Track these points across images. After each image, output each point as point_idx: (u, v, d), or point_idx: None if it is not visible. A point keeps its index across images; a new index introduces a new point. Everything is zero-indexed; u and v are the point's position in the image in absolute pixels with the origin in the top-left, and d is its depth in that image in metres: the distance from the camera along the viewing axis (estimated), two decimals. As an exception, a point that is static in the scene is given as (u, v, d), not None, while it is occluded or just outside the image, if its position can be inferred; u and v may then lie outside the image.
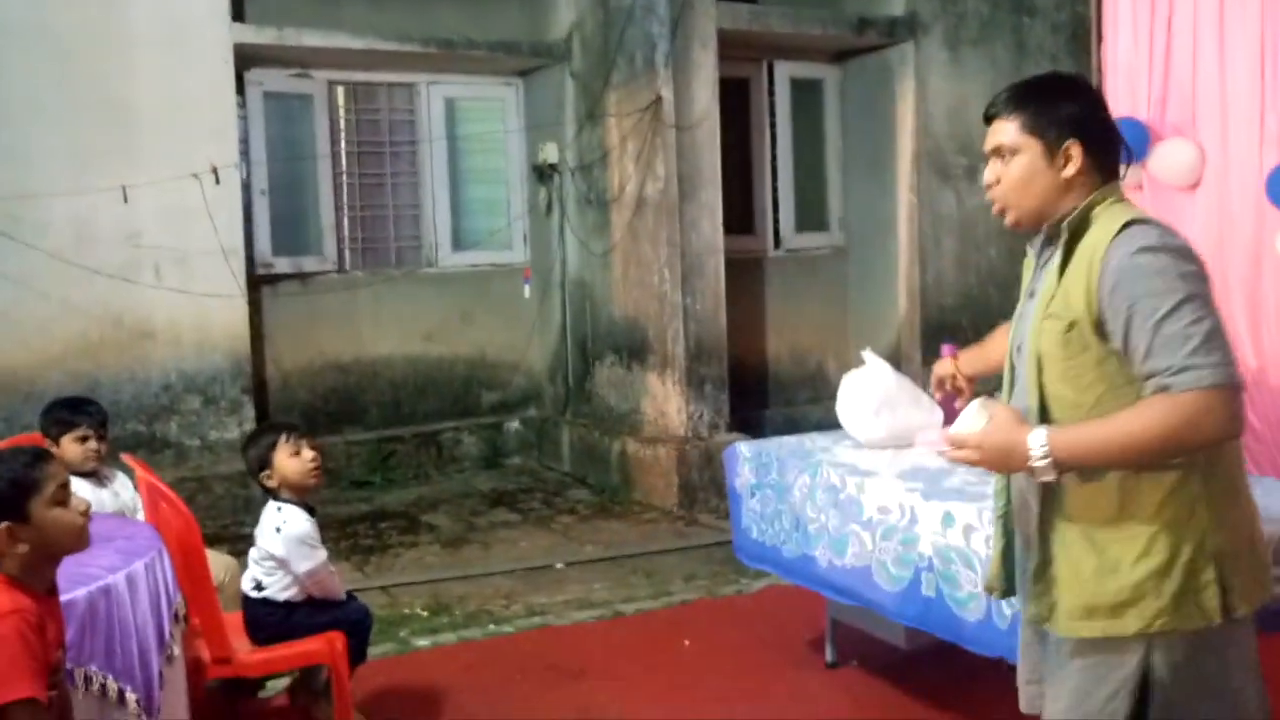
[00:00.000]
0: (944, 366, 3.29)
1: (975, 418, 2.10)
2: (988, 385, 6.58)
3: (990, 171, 2.20)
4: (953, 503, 3.30)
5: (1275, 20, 4.42)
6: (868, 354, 4.10)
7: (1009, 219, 2.19)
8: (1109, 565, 2.04)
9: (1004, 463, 2.07)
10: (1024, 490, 2.19)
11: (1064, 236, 2.09)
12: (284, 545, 3.46)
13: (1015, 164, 2.14)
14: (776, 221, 8.23)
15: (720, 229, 6.92)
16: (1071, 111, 2.12)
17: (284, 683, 4.08)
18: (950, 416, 4.03)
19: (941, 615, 3.31)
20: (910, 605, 3.42)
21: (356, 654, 3.61)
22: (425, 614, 5.02)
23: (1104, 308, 2.01)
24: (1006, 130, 2.15)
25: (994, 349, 3.10)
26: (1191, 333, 1.94)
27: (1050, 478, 2.02)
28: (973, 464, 2.12)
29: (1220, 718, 2.05)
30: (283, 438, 3.55)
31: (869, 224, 8.19)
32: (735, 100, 7.78)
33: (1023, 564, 2.28)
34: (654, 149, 6.80)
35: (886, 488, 3.54)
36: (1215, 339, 1.95)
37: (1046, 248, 2.18)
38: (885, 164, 8.00)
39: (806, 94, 8.28)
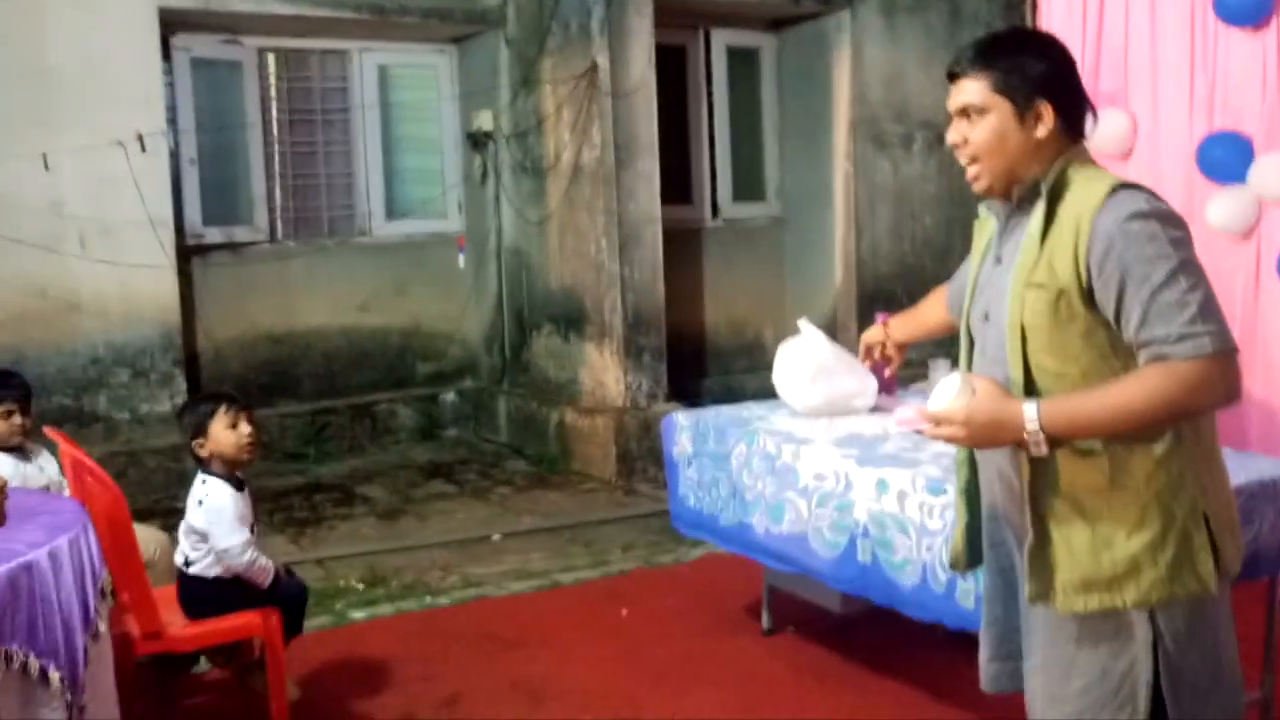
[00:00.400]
0: (873, 334, 3.29)
1: (957, 393, 2.00)
2: (922, 351, 6.66)
3: (955, 131, 2.12)
4: (887, 469, 3.33)
5: (1204, -11, 4.48)
6: (803, 323, 4.12)
7: (980, 184, 2.11)
8: (1103, 539, 2.01)
9: (993, 438, 2.00)
10: (1000, 466, 2.13)
11: (1042, 201, 2.04)
12: (204, 518, 3.40)
13: (984, 125, 2.06)
14: (714, 191, 8.22)
15: (657, 198, 6.90)
16: (1041, 70, 2.05)
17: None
18: (883, 384, 4.08)
19: (877, 580, 3.34)
20: (846, 571, 3.45)
21: (292, 627, 3.58)
22: (361, 586, 4.97)
23: (1094, 276, 1.96)
24: (974, 89, 2.07)
25: (928, 315, 3.09)
26: (1188, 300, 1.91)
27: (1043, 452, 1.98)
28: (957, 441, 2.04)
29: (1213, 672, 2.07)
30: (223, 408, 3.49)
31: (806, 193, 8.21)
32: (672, 68, 7.74)
33: (993, 537, 2.24)
34: (590, 116, 6.75)
35: (822, 455, 3.56)
36: (1210, 306, 1.93)
37: (1016, 212, 2.12)
38: (822, 133, 8.01)
39: (743, 62, 8.26)
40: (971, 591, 3.05)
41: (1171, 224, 1.96)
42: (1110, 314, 1.97)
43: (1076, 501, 2.02)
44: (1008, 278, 2.08)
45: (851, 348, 4.00)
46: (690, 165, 8.12)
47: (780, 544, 3.69)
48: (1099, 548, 2.01)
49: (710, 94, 8.12)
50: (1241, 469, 3.12)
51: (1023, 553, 2.09)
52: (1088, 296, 1.98)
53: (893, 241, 8.02)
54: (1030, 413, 1.96)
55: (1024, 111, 2.05)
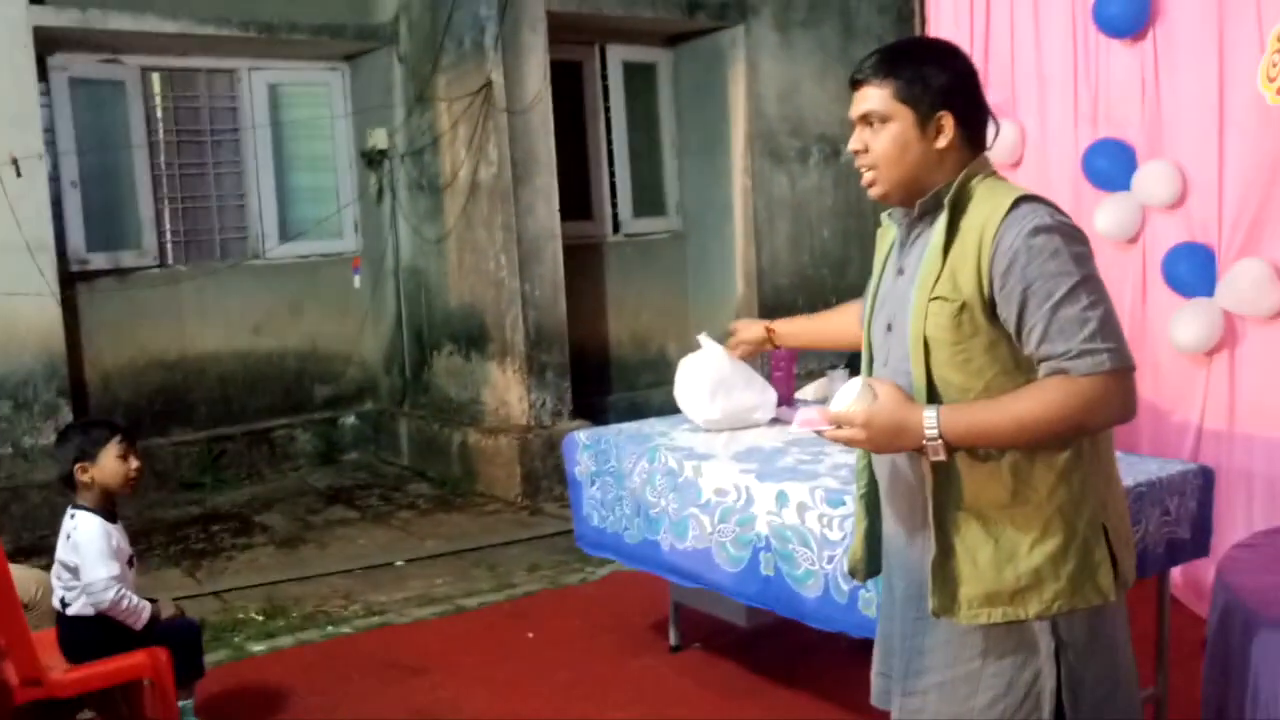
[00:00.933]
0: (750, 331, 3.24)
1: (859, 396, 2.00)
2: (822, 361, 6.68)
3: (857, 139, 2.11)
4: (786, 482, 3.32)
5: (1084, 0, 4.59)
6: (703, 338, 4.11)
7: (876, 191, 2.11)
8: (1006, 552, 2.01)
9: (892, 442, 2.00)
10: (905, 473, 2.11)
11: (944, 213, 2.03)
12: (74, 551, 3.26)
13: (885, 133, 2.06)
14: (615, 206, 8.21)
15: (556, 214, 6.86)
16: (944, 81, 2.05)
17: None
18: (783, 397, 4.09)
19: (781, 593, 3.33)
20: (750, 585, 3.43)
21: (189, 667, 3.44)
22: (260, 618, 4.83)
23: (996, 290, 1.95)
24: (877, 97, 2.06)
25: (830, 325, 3.06)
26: (1088, 317, 1.92)
27: (941, 457, 1.97)
28: (856, 444, 2.03)
29: (1112, 676, 2.08)
30: (117, 438, 3.36)
31: (705, 207, 8.24)
32: (568, 84, 7.71)
33: (897, 544, 2.21)
34: (486, 133, 6.69)
35: (722, 470, 3.55)
36: (1110, 323, 1.93)
37: (918, 223, 2.11)
38: (720, 147, 8.05)
39: (640, 78, 8.27)
40: (873, 600, 3.06)
41: (1074, 239, 1.97)
42: (1012, 328, 1.97)
43: (980, 515, 2.02)
44: (910, 289, 2.07)
45: (752, 362, 4.01)
46: (590, 181, 8.09)
47: (685, 560, 3.67)
48: (1002, 561, 2.01)
49: (608, 109, 8.10)
50: (1130, 470, 3.18)
51: (926, 567, 2.07)
52: (990, 310, 1.98)
53: (792, 254, 8.09)
54: (930, 419, 1.96)
55: (926, 121, 2.04)
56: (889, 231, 2.25)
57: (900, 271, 2.13)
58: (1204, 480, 3.31)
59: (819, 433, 2.06)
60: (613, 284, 8.17)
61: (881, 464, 2.19)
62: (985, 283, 1.96)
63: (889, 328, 2.14)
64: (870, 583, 2.75)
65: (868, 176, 2.11)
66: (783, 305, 7.78)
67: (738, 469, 3.49)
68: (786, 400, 4.13)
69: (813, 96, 8.07)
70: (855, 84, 2.11)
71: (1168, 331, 4.39)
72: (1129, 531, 2.13)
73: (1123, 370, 1.93)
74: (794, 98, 8.00)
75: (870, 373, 2.22)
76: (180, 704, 3.34)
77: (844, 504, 3.15)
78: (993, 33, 4.98)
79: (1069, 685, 2.03)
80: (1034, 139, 4.86)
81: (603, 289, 8.12)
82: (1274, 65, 4.03)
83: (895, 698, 2.21)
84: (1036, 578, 2.00)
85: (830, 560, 3.16)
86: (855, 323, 2.54)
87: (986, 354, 2.00)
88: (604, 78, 8.07)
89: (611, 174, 8.17)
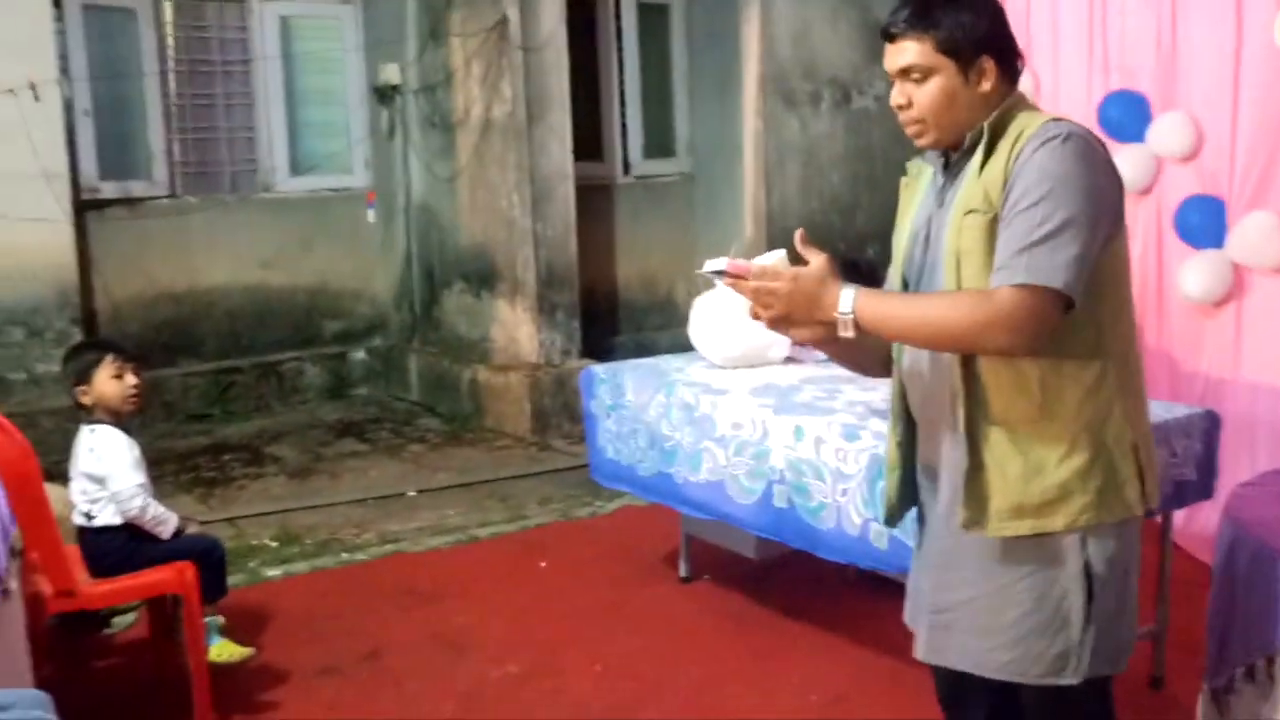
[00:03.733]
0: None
1: (781, 258, 2.07)
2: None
3: (900, 93, 2.10)
4: (803, 417, 3.40)
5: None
6: (711, 263, 4.15)
7: (925, 140, 2.11)
8: (1034, 466, 2.05)
9: (807, 308, 2.01)
10: (938, 390, 2.14)
11: (985, 137, 2.05)
12: (100, 463, 3.33)
13: (931, 86, 2.06)
14: (625, 148, 8.21)
15: (569, 153, 6.87)
16: (982, 27, 2.06)
17: (129, 619, 3.97)
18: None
19: (793, 524, 3.41)
20: (763, 516, 3.52)
21: (215, 587, 3.51)
22: (275, 544, 4.92)
23: (1005, 195, 1.99)
24: (916, 51, 2.06)
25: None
26: (1033, 231, 1.92)
27: (849, 334, 2.00)
28: (773, 301, 2.02)
29: (1122, 600, 2.15)
30: (109, 358, 3.41)
31: (716, 150, 8.24)
32: (582, 24, 7.69)
33: (932, 465, 2.23)
34: (500, 70, 6.68)
35: (739, 404, 3.61)
36: (1054, 242, 1.91)
37: (963, 158, 2.11)
38: (731, 90, 8.03)
39: (653, 18, 8.24)
40: (885, 534, 3.14)
41: (1081, 159, 1.97)
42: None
43: (1010, 429, 2.07)
44: (949, 213, 2.10)
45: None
46: (601, 121, 8.09)
47: (698, 492, 3.75)
48: (1030, 474, 2.06)
49: (621, 50, 8.08)
50: (1140, 413, 3.25)
51: (959, 481, 2.11)
52: None
53: (802, 198, 8.11)
54: (848, 295, 1.99)
55: (969, 69, 2.06)
56: (918, 179, 2.27)
57: (941, 204, 2.15)
58: (1210, 424, 3.38)
59: (733, 281, 2.05)
60: (622, 225, 8.20)
61: (916, 396, 2.22)
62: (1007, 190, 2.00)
63: (926, 253, 2.17)
64: (880, 516, 2.77)
65: (914, 129, 2.12)
66: (792, 248, 7.77)
67: (755, 403, 3.56)
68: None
69: (826, 39, 8.05)
70: (890, 37, 2.10)
71: (1178, 282, 4.44)
72: (1153, 453, 2.17)
73: (1037, 290, 1.91)
74: (807, 40, 7.98)
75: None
76: (206, 620, 3.42)
77: (859, 438, 3.22)
78: (1010, -22, 4.98)
79: (1099, 600, 2.09)
80: (1047, 89, 4.87)
81: (612, 230, 8.15)
82: (1291, 17, 4.05)
83: (923, 614, 2.27)
84: (1064, 491, 2.05)
85: (844, 493, 3.23)
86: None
87: None
88: (618, 18, 8.04)
89: (623, 115, 8.17)
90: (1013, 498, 2.07)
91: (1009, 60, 2.11)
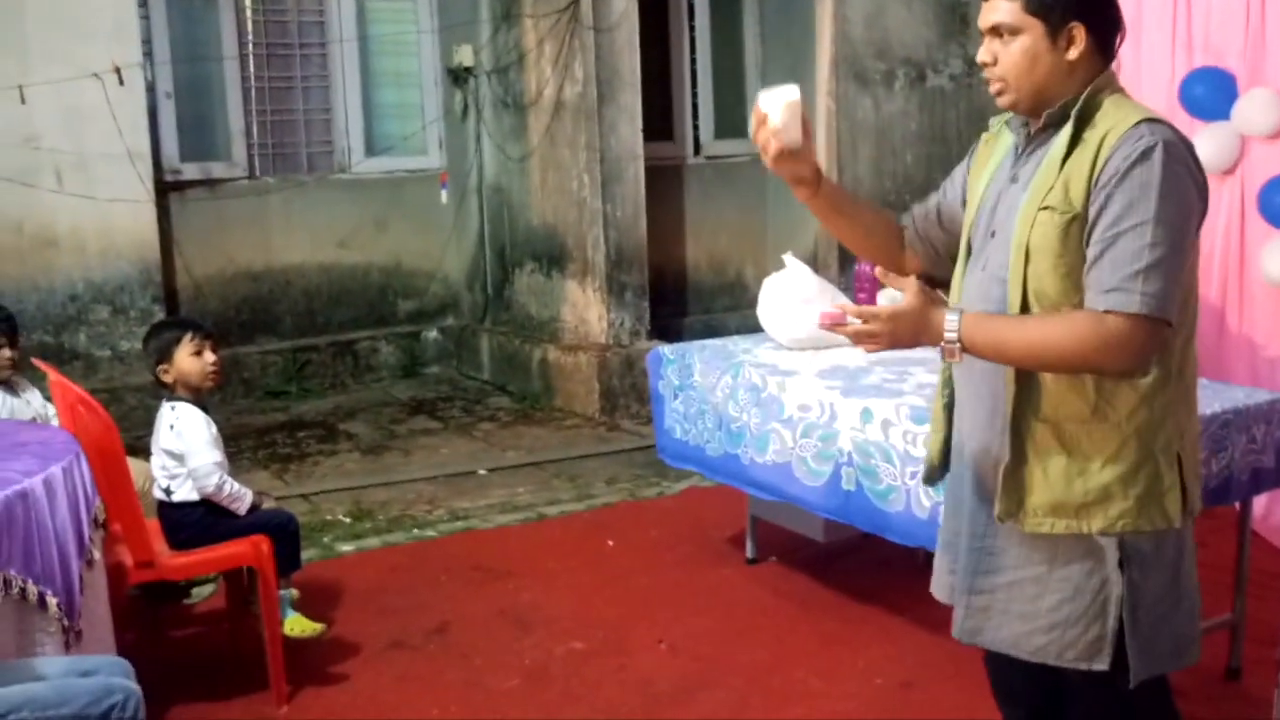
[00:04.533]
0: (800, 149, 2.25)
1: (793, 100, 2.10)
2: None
3: (986, 51, 2.08)
4: (871, 399, 3.37)
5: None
6: (788, 258, 4.15)
7: (1005, 100, 2.09)
8: (1078, 466, 2.04)
9: (910, 339, 2.01)
10: (987, 380, 2.13)
11: (1069, 125, 2.02)
12: (179, 439, 3.42)
13: (1016, 45, 2.03)
14: (696, 128, 8.19)
15: (640, 134, 6.87)
16: None
17: (208, 590, 4.07)
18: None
19: (862, 507, 3.40)
20: (831, 499, 3.50)
21: (288, 560, 3.58)
22: (348, 520, 5.01)
23: (1091, 202, 1.96)
24: (1007, 9, 2.03)
25: (857, 215, 2.50)
26: (1143, 254, 1.90)
27: (957, 360, 2.02)
28: (878, 340, 2.01)
29: (1173, 598, 2.12)
30: (188, 335, 3.49)
31: (788, 130, 8.17)
32: (654, 3, 7.67)
33: (972, 449, 2.22)
34: (572, 51, 6.70)
35: (807, 386, 3.60)
36: (1162, 269, 1.90)
37: (1042, 133, 2.09)
38: (804, 69, 7.96)
39: (726, -2, 8.20)
40: (954, 518, 3.11)
41: (1176, 175, 1.93)
42: (1086, 243, 1.97)
43: (1057, 427, 2.05)
44: (1022, 196, 2.07)
45: (833, 283, 4.03)
46: (672, 102, 8.08)
47: (765, 474, 3.75)
48: (1073, 474, 2.04)
49: (693, 29, 8.06)
50: (1216, 398, 3.19)
51: (998, 472, 2.10)
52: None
53: (874, 179, 8.02)
54: (953, 322, 1.99)
55: (1057, 33, 2.02)
56: (999, 138, 2.23)
57: (1014, 179, 2.12)
58: (1292, 410, 3.30)
59: (837, 328, 2.04)
60: (692, 206, 8.18)
61: (963, 371, 2.21)
62: (1091, 195, 1.96)
63: (993, 234, 2.14)
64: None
65: (996, 87, 2.09)
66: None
67: (823, 385, 3.55)
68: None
69: (900, 19, 7.95)
70: None
71: (1261, 264, 4.33)
72: (1199, 462, 2.15)
73: (1151, 318, 1.90)
74: (881, 20, 7.88)
75: (964, 275, 2.23)
76: (280, 593, 3.50)
77: (928, 421, 3.18)
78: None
79: (1130, 599, 2.07)
80: (1128, 66, 4.75)
81: (681, 211, 8.14)
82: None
83: (960, 595, 2.26)
84: (1104, 494, 2.03)
85: (913, 476, 3.21)
86: (880, 230, 2.46)
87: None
88: (690, -3, 8.02)
89: (694, 95, 8.15)
90: (1053, 495, 2.06)
91: (1103, 32, 2.05)
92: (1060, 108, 2.05)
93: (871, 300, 4.30)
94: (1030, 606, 2.13)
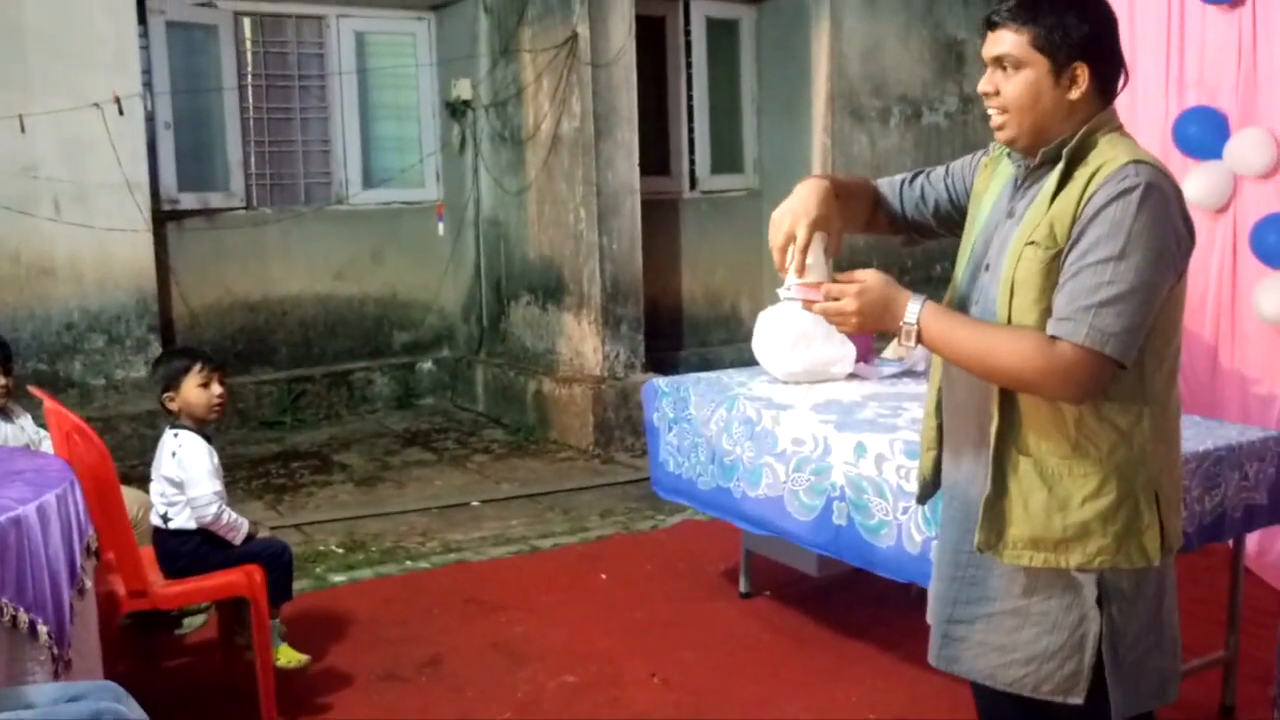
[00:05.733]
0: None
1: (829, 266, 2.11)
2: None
3: (988, 81, 2.08)
4: (865, 434, 3.38)
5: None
6: (783, 291, 4.15)
7: (1004, 135, 2.09)
8: (1058, 501, 2.04)
9: (878, 318, 2.03)
10: (972, 411, 2.15)
11: (1062, 164, 2.02)
12: (180, 468, 3.42)
13: (1019, 79, 2.03)
14: (692, 163, 8.24)
15: (636, 168, 6.91)
16: (1085, 32, 2.00)
17: (200, 620, 4.05)
18: (861, 353, 4.14)
19: (853, 542, 3.39)
20: (821, 534, 3.50)
21: (281, 590, 3.58)
22: (341, 551, 5.00)
23: (1069, 238, 1.97)
24: (1013, 42, 2.03)
25: (859, 208, 2.48)
26: (1102, 289, 1.91)
27: (911, 345, 2.04)
28: (846, 315, 2.04)
29: (1154, 635, 2.12)
30: (197, 366, 3.50)
31: (783, 166, 8.23)
32: (651, 39, 7.74)
33: (955, 479, 2.23)
34: (569, 86, 6.75)
35: (801, 420, 3.61)
36: (1120, 306, 1.91)
37: (1038, 170, 2.09)
38: (800, 106, 8.04)
39: (722, 34, 8.27)
40: (947, 553, 3.11)
41: (1155, 216, 1.94)
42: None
43: (1039, 461, 2.06)
44: (1014, 233, 2.08)
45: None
46: (669, 136, 8.13)
47: (757, 507, 3.75)
48: (1053, 509, 2.05)
49: (689, 65, 8.12)
50: (1209, 435, 3.20)
51: (979, 503, 2.11)
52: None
53: (869, 215, 8.05)
54: (913, 308, 2.02)
55: (1061, 71, 2.02)
56: (999, 165, 2.24)
57: (1010, 214, 2.14)
58: (1284, 448, 3.31)
59: (807, 304, 2.08)
60: (688, 240, 8.22)
61: (951, 402, 2.23)
62: (1071, 231, 1.98)
63: (986, 268, 2.15)
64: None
65: (996, 120, 2.10)
66: (857, 266, 7.72)
67: (816, 419, 3.55)
68: (864, 355, 4.17)
69: (896, 56, 8.02)
70: (992, 25, 2.09)
71: (1253, 302, 4.36)
72: (1179, 499, 2.15)
73: (1097, 353, 1.92)
74: (877, 57, 7.96)
75: (964, 305, 2.20)
76: (270, 622, 3.48)
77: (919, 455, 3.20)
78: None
79: (1109, 635, 2.07)
80: (1122, 104, 4.67)
81: (678, 245, 8.18)
82: (1377, 33, 3.96)
83: (939, 623, 2.26)
84: (1083, 531, 2.03)
85: (905, 511, 3.21)
86: (865, 206, 2.46)
87: None
88: (687, 33, 8.08)
89: (690, 130, 8.20)
90: (1032, 529, 2.06)
91: (1106, 73, 2.06)
92: (1056, 145, 2.06)
93: (863, 339, 4.32)
94: (1008, 639, 2.14)
